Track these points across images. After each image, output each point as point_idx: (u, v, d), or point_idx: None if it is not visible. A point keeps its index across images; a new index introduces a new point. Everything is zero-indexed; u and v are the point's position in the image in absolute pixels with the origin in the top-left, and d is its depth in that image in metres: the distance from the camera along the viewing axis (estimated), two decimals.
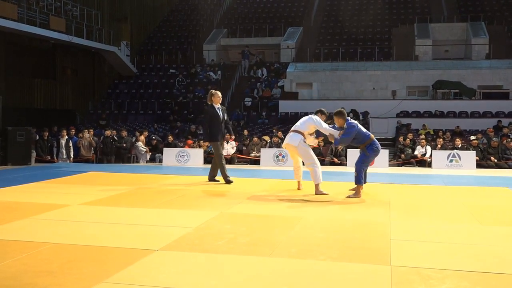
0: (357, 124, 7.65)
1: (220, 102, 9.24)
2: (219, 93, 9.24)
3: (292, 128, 8.23)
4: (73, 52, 24.85)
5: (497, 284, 3.51)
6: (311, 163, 7.83)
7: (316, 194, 7.69)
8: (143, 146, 16.35)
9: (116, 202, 6.79)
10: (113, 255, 4.15)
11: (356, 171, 7.48)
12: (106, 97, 26.27)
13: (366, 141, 7.55)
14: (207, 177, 9.38)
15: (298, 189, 8.38)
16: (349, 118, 7.83)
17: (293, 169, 8.63)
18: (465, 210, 6.45)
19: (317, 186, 7.78)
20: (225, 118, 9.28)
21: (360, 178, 7.44)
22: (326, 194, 7.61)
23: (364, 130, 7.72)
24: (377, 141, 7.67)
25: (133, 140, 16.61)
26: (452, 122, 20.28)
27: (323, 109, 8.40)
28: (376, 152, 7.63)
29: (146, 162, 16.30)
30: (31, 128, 14.22)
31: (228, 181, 8.95)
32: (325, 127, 7.97)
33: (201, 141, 17.01)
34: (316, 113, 8.27)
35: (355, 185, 7.53)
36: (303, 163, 8.29)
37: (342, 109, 8.03)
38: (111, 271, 3.71)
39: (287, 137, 8.26)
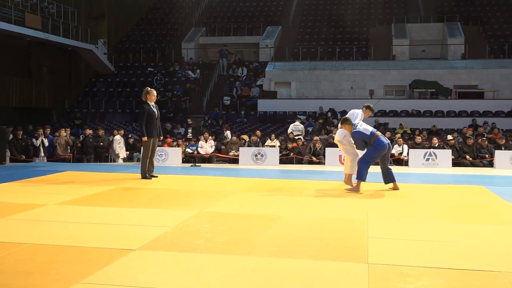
0: (359, 131, 8.01)
1: (155, 100, 9.67)
2: (155, 92, 9.70)
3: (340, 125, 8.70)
4: (49, 50, 24.53)
5: (472, 280, 3.57)
6: (352, 157, 8.45)
7: (345, 183, 8.39)
8: (120, 140, 16.23)
9: (93, 202, 6.73)
10: (91, 255, 4.11)
11: (357, 168, 8.01)
12: (83, 95, 26.01)
13: (370, 140, 7.94)
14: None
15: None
16: (355, 123, 8.19)
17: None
18: (441, 208, 6.53)
19: (349, 176, 8.39)
20: (159, 116, 9.75)
21: (360, 174, 7.86)
22: (353, 187, 8.07)
23: (368, 131, 8.01)
24: (381, 139, 7.98)
25: (111, 139, 16.49)
26: (429, 121, 20.57)
27: (371, 105, 8.81)
28: (376, 149, 7.93)
29: (124, 161, 16.18)
30: (5, 127, 14.00)
31: (145, 177, 9.38)
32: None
33: (180, 140, 16.98)
34: (362, 107, 8.80)
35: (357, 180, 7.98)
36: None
37: (347, 117, 8.38)
38: (89, 271, 3.68)
39: (337, 133, 8.79)
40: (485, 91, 23.08)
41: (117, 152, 16.08)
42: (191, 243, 4.52)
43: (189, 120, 19.83)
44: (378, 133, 8.09)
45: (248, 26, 30.06)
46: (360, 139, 7.97)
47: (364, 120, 8.63)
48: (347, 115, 8.57)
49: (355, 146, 8.32)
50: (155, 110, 9.56)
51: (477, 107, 21.67)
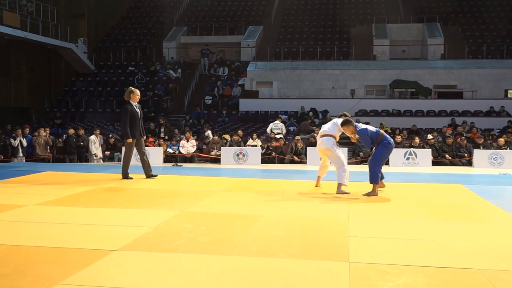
0: (366, 128, 7.84)
1: (138, 100, 9.54)
2: (138, 91, 9.58)
3: (322, 133, 8.41)
4: (28, 49, 24.22)
5: (451, 278, 3.61)
6: (340, 165, 8.00)
7: (337, 193, 7.82)
8: (95, 140, 16.07)
9: (74, 202, 6.66)
10: (70, 256, 4.06)
11: (369, 170, 7.67)
12: (63, 94, 25.74)
13: (378, 138, 7.67)
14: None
15: (317, 185, 8.61)
16: (356, 124, 8.03)
17: (319, 166, 8.84)
18: (421, 206, 6.60)
19: (339, 185, 7.90)
20: (141, 116, 9.60)
21: (374, 177, 7.57)
22: (347, 193, 7.74)
23: (373, 129, 7.86)
24: (388, 137, 7.80)
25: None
26: (409, 120, 20.76)
27: (346, 113, 8.69)
28: (386, 147, 7.67)
29: (103, 161, 16.06)
30: None
31: (126, 177, 9.25)
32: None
33: (161, 140, 16.89)
34: (340, 116, 8.57)
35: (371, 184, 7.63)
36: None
37: (348, 118, 8.18)
38: (68, 272, 3.64)
39: (319, 141, 8.46)
40: (464, 91, 23.38)
41: (93, 153, 15.94)
42: (173, 243, 4.50)
43: (160, 119, 19.65)
44: (383, 131, 7.93)
45: (229, 25, 30.04)
46: (368, 136, 7.69)
47: None
48: (327, 127, 8.42)
49: (344, 149, 8.29)
50: (138, 110, 9.43)
51: (456, 107, 21.93)
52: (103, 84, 25.93)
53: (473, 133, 17.33)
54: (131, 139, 9.25)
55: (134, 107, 9.39)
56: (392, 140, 7.90)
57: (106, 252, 4.16)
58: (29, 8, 22.77)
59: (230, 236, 4.79)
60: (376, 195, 7.51)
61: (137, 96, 9.48)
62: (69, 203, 6.57)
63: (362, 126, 7.96)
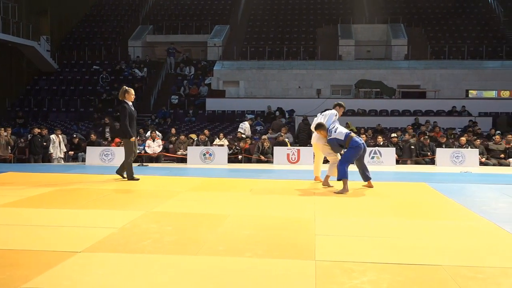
0: (334, 137, 8.12)
1: (133, 99, 9.32)
2: (133, 90, 9.36)
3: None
4: None
5: (415, 274, 3.67)
6: (333, 158, 8.39)
7: (323, 184, 8.42)
8: (54, 140, 15.79)
9: (36, 203, 6.51)
10: (32, 259, 3.97)
11: (338, 169, 7.95)
12: (25, 94, 25.17)
13: (345, 142, 8.03)
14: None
15: (320, 182, 8.83)
16: (329, 128, 8.28)
17: (314, 165, 9.16)
18: (385, 205, 6.70)
19: (326, 177, 8.38)
20: (136, 115, 9.45)
21: (341, 173, 7.83)
22: (331, 186, 8.20)
23: (342, 134, 8.10)
24: (355, 139, 8.02)
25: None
26: (374, 120, 21.06)
27: (341, 102, 8.88)
28: (353, 149, 7.97)
29: (64, 161, 15.78)
30: None
31: (132, 179, 9.10)
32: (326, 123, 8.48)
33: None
34: (334, 106, 8.76)
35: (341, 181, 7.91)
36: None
37: (322, 122, 8.41)
38: (30, 275, 3.55)
39: (314, 135, 8.66)
40: (427, 91, 23.86)
41: (50, 152, 15.64)
42: (138, 243, 4.45)
43: (106, 118, 19.03)
44: (353, 134, 8.18)
45: (196, 24, 29.92)
46: (336, 144, 8.16)
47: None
48: (319, 120, 8.55)
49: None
50: (133, 109, 9.25)
51: (419, 107, 22.37)
52: (66, 83, 25.46)
53: (435, 132, 17.68)
54: (133, 137, 9.09)
55: (131, 106, 9.19)
56: (360, 142, 8.11)
57: (70, 254, 4.08)
58: None
59: (197, 235, 4.77)
60: (347, 192, 7.68)
61: (132, 96, 9.23)
62: (32, 205, 6.43)
63: (334, 134, 8.15)
